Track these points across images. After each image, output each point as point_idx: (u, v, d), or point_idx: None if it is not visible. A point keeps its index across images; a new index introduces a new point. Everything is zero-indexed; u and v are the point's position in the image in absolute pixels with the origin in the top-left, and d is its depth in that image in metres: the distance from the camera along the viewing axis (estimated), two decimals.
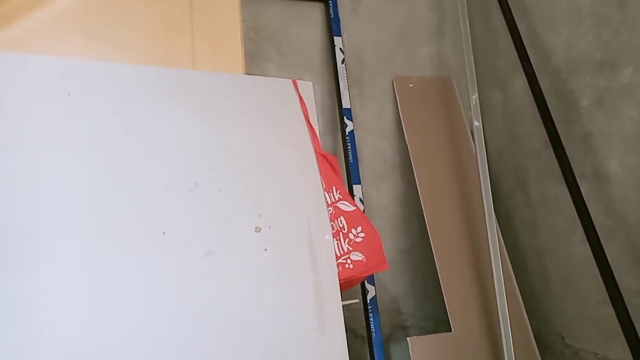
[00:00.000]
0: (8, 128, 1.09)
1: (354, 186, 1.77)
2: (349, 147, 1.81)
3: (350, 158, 1.80)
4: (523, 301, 1.72)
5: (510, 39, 1.69)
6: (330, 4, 1.94)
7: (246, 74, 1.48)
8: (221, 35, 1.46)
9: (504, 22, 1.73)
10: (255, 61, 1.85)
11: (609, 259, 1.35)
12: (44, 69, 1.17)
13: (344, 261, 1.33)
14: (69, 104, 1.16)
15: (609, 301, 1.34)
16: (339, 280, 1.30)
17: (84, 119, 1.16)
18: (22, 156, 1.08)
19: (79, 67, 1.21)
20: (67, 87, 1.17)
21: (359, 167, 1.82)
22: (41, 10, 1.28)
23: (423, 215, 1.80)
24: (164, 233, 1.14)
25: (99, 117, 1.18)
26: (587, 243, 1.39)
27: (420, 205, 1.82)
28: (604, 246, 1.37)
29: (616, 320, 1.32)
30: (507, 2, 1.75)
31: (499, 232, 1.78)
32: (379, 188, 1.98)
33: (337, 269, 1.31)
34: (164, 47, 1.38)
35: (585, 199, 1.43)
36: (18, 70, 1.15)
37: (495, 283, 1.58)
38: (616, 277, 1.34)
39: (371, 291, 1.68)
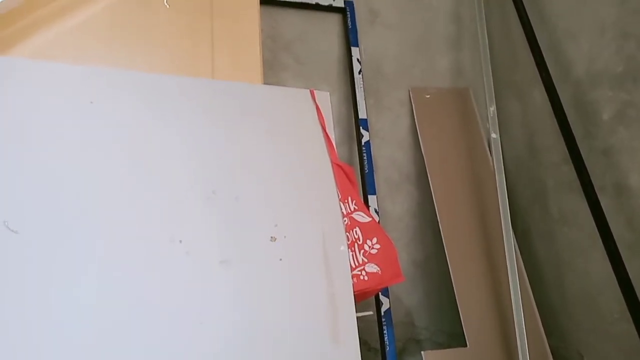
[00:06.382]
0: (30, 134, 1.11)
1: (369, 197, 1.77)
2: (365, 158, 1.81)
3: (365, 168, 1.80)
4: (540, 316, 1.69)
5: (529, 50, 1.68)
6: (348, 15, 1.95)
7: (263, 83, 1.49)
8: (241, 45, 1.47)
9: (523, 32, 1.72)
10: (272, 70, 1.86)
11: (630, 274, 1.33)
12: (66, 76, 1.19)
13: (359, 273, 1.32)
14: (91, 111, 1.18)
15: (628, 317, 1.31)
16: (354, 292, 1.29)
17: (105, 126, 1.18)
18: (40, 162, 1.09)
19: (101, 74, 1.23)
20: (89, 94, 1.19)
21: (375, 178, 1.81)
22: (66, 20, 1.31)
23: (438, 227, 1.79)
24: (180, 241, 1.15)
25: (120, 125, 1.19)
26: (606, 258, 1.37)
27: (436, 216, 1.80)
28: (624, 261, 1.34)
29: (636, 337, 1.29)
30: (526, 13, 1.74)
31: (516, 245, 1.76)
32: (394, 199, 1.97)
33: (351, 280, 1.30)
34: (184, 55, 1.39)
35: (605, 213, 1.40)
36: (39, 77, 1.16)
37: (512, 297, 1.56)
38: (637, 293, 1.31)
39: (385, 303, 1.67)
